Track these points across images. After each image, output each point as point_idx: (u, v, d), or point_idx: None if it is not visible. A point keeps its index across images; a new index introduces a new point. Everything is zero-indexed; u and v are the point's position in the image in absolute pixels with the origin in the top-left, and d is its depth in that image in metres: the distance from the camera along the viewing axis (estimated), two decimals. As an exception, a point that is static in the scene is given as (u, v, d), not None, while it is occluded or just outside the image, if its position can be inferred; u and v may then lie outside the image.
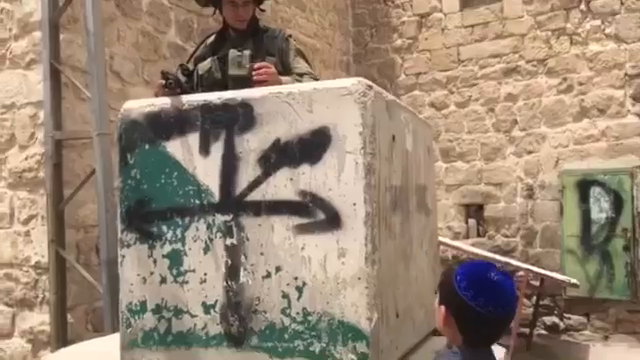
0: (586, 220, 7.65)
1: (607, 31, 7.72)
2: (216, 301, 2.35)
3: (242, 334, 2.30)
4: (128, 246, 2.50)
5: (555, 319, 7.86)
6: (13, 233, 4.56)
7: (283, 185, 2.27)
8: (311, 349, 2.20)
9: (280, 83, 2.50)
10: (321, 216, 2.22)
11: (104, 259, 3.99)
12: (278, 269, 2.26)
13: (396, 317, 2.40)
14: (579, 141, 7.88)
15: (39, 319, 4.35)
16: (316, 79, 2.71)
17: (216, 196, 2.37)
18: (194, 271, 2.39)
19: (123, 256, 2.51)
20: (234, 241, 2.33)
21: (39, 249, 4.38)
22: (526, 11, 8.27)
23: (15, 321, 4.51)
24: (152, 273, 2.46)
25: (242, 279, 2.32)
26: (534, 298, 7.64)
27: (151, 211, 2.47)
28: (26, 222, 4.50)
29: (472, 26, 8.67)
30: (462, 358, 1.44)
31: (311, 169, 2.23)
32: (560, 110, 8.00)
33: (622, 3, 7.63)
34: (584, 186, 7.68)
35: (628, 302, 7.37)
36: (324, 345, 2.19)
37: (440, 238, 6.54)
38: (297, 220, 2.24)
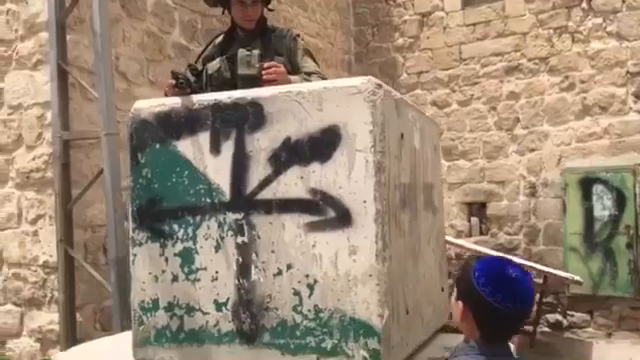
0: (589, 218, 7.66)
1: (609, 29, 7.73)
2: (228, 299, 2.37)
3: (254, 331, 2.33)
4: (140, 245, 2.53)
5: (558, 316, 7.87)
6: (21, 233, 4.59)
7: (294, 183, 2.29)
8: (323, 346, 2.22)
9: (289, 82, 2.52)
10: (332, 214, 2.24)
11: (112, 258, 4.02)
12: (289, 267, 2.28)
13: (406, 314, 2.42)
14: (581, 139, 7.89)
15: (48, 318, 4.38)
16: (324, 78, 2.73)
17: (227, 195, 2.39)
18: (206, 269, 2.41)
19: (135, 255, 2.54)
20: (245, 239, 2.36)
21: (47, 249, 4.41)
22: (528, 9, 8.28)
23: (24, 320, 4.54)
24: (164, 271, 2.48)
25: (253, 277, 2.34)
26: (537, 296, 7.65)
27: (162, 210, 2.49)
28: (34, 222, 4.52)
29: (474, 25, 8.68)
30: (480, 352, 1.46)
31: (321, 167, 2.26)
32: (562, 108, 8.01)
33: (623, 1, 7.64)
34: (587, 184, 7.69)
35: (631, 299, 7.38)
36: (336, 342, 2.21)
37: (444, 236, 6.55)
38: (308, 218, 2.27)
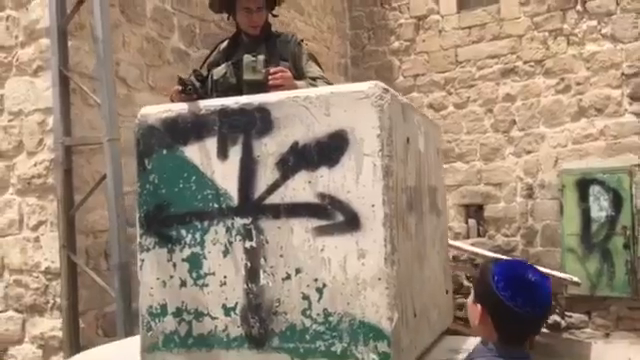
0: (586, 219, 7.71)
1: (603, 31, 7.80)
2: (236, 303, 2.38)
3: (263, 335, 2.33)
4: (147, 250, 2.53)
5: (557, 317, 7.90)
6: (22, 239, 4.58)
7: (302, 188, 2.30)
8: (332, 349, 2.23)
9: (295, 87, 2.53)
10: (340, 218, 2.25)
11: (116, 263, 4.02)
12: (298, 271, 2.29)
13: (414, 317, 2.44)
14: (578, 140, 7.95)
15: (50, 325, 4.37)
16: (329, 83, 2.75)
17: (235, 200, 2.39)
18: (214, 274, 2.42)
19: (142, 260, 2.54)
20: (253, 244, 2.36)
21: (49, 255, 4.40)
22: (523, 12, 8.34)
23: (25, 327, 4.53)
24: (172, 277, 2.48)
25: (262, 281, 2.35)
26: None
27: (170, 215, 2.50)
28: (35, 228, 4.52)
29: (469, 28, 8.74)
30: (498, 355, 1.48)
31: (329, 172, 2.27)
32: (558, 110, 8.07)
33: (618, 3, 7.71)
34: (583, 185, 7.75)
35: (629, 299, 7.44)
36: (345, 345, 2.22)
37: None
38: (316, 222, 2.28)
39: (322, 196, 2.27)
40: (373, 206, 2.20)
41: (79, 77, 4.40)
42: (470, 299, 1.58)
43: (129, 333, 3.69)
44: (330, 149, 2.27)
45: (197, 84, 2.64)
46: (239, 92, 2.64)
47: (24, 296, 4.58)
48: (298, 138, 2.31)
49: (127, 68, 4.87)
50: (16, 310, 4.62)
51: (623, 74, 7.66)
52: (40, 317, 4.46)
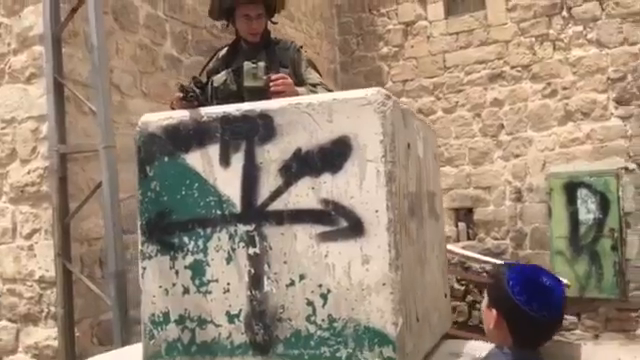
0: (574, 221, 7.81)
1: (589, 36, 7.91)
2: (240, 310, 2.37)
3: (267, 342, 2.33)
4: (149, 258, 2.52)
5: (547, 319, 7.96)
6: (16, 248, 4.54)
7: (305, 194, 2.31)
8: (337, 355, 2.24)
9: (296, 94, 2.54)
10: (344, 224, 2.26)
11: (112, 271, 3.99)
12: (302, 277, 2.30)
13: (417, 321, 2.45)
14: (565, 144, 8.05)
15: (44, 334, 4.32)
16: (329, 89, 2.77)
17: (238, 206, 2.40)
18: (217, 281, 2.41)
19: (144, 268, 2.53)
20: (257, 250, 2.37)
21: (43, 263, 4.36)
22: (510, 18, 8.44)
23: (19, 337, 4.48)
24: (174, 284, 2.48)
25: (266, 288, 2.35)
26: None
27: (172, 222, 2.49)
28: (29, 236, 4.48)
29: (457, 33, 8.83)
30: (513, 359, 1.50)
31: (333, 178, 2.28)
32: (545, 114, 8.17)
33: (603, 9, 7.83)
34: (571, 188, 7.84)
35: (617, 301, 7.53)
36: (350, 351, 2.23)
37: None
38: (320, 228, 2.28)
39: (326, 202, 2.28)
40: (377, 212, 2.22)
41: (73, 84, 4.38)
42: (484, 304, 1.60)
43: (126, 342, 3.67)
44: (333, 155, 2.28)
45: (197, 91, 2.64)
46: (239, 99, 2.64)
47: (18, 305, 4.53)
48: (301, 144, 2.32)
49: (120, 75, 4.86)
50: (10, 320, 4.57)
51: (609, 78, 7.78)
52: (34, 326, 4.41)
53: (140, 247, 2.54)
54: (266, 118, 2.38)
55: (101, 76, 4.08)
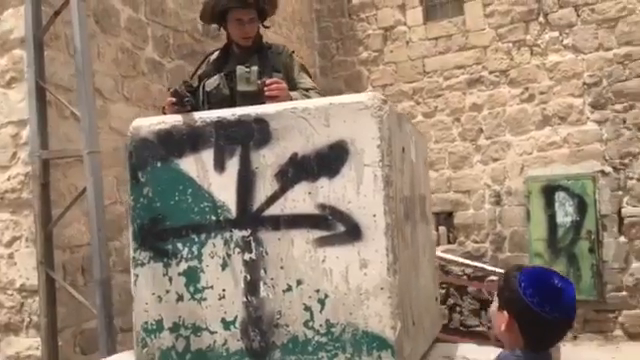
0: (552, 224, 7.92)
1: (565, 42, 8.05)
2: (236, 317, 2.35)
3: (264, 349, 2.31)
4: (142, 265, 2.48)
5: (526, 321, 8.05)
6: (-4, 256, 4.43)
7: (302, 199, 2.30)
8: (336, 360, 2.23)
9: (290, 98, 2.54)
10: (341, 228, 2.26)
11: (97, 279, 3.91)
12: (299, 282, 2.28)
13: (412, 325, 2.46)
14: (542, 148, 8.17)
15: (26, 344, 4.21)
16: (321, 94, 2.76)
17: (233, 212, 2.37)
18: (212, 287, 2.39)
19: (137, 275, 2.49)
20: (253, 256, 2.35)
21: (24, 272, 4.26)
22: (487, 24, 8.55)
23: (0, 347, 4.36)
24: (168, 291, 2.44)
25: (262, 293, 2.33)
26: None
27: (165, 229, 2.46)
28: (9, 244, 4.36)
29: (436, 39, 8.90)
30: None
31: (329, 182, 2.27)
32: (523, 119, 8.28)
33: (578, 15, 7.98)
34: (549, 191, 7.96)
35: (595, 302, 7.64)
36: (349, 356, 2.22)
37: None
38: (317, 233, 2.27)
39: (322, 207, 2.27)
40: (374, 216, 2.22)
41: (55, 89, 4.29)
42: (494, 306, 1.61)
43: (111, 351, 3.60)
44: (330, 160, 2.28)
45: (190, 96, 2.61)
46: (232, 103, 2.63)
47: (-2, 315, 4.42)
48: (297, 149, 2.31)
49: (102, 79, 4.78)
50: (-11, 330, 4.45)
51: (584, 83, 7.92)
52: (15, 336, 4.29)
53: (132, 254, 2.50)
54: (262, 123, 2.36)
55: (85, 80, 4.01)
